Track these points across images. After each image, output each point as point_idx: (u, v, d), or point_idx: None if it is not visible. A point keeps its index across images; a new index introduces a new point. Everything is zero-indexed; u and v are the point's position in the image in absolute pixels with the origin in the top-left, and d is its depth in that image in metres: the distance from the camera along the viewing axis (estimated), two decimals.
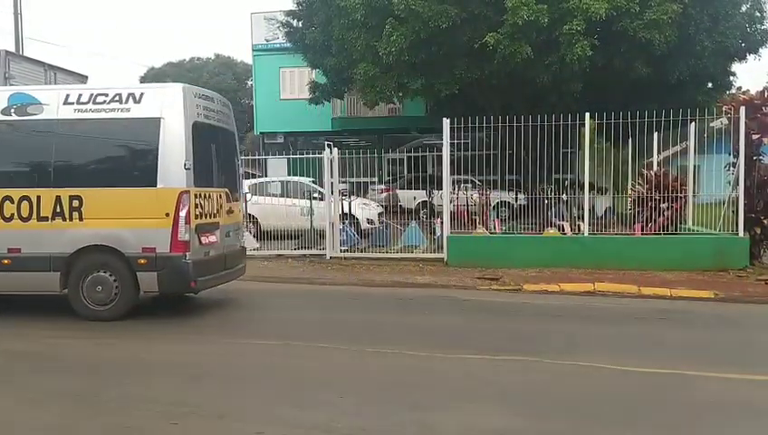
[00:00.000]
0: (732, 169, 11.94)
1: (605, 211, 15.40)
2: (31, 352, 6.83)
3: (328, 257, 13.42)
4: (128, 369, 6.19)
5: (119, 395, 5.36)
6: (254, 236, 15.04)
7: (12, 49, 17.77)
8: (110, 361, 6.48)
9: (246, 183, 16.44)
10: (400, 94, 19.76)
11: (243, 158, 17.84)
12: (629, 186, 14.63)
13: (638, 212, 12.96)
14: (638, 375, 5.86)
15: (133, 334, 7.54)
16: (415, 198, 19.61)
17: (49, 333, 7.53)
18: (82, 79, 13.68)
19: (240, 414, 4.93)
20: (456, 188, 14.66)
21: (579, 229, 12.70)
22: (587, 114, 12.14)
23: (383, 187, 18.82)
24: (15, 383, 5.77)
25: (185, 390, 5.55)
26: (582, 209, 12.52)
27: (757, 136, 11.68)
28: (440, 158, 13.07)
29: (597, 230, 12.92)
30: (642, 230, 12.44)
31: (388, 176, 27.09)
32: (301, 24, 22.24)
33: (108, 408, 5.11)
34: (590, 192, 12.53)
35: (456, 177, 14.72)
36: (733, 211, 11.71)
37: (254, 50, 29.50)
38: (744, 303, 9.20)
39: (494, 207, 16.35)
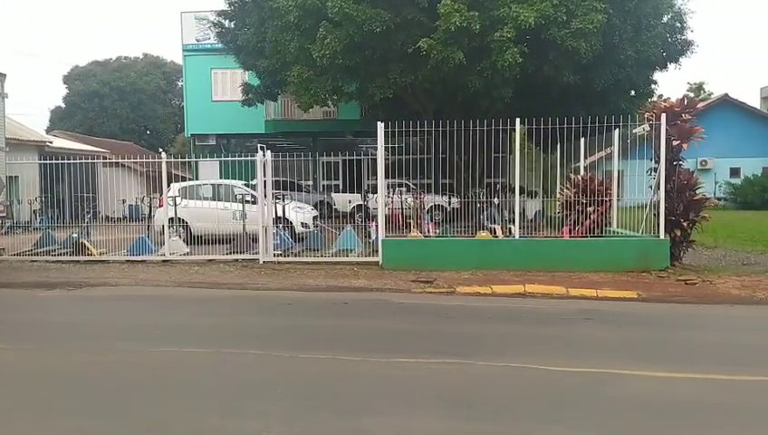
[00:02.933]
0: (653, 173, 12.39)
1: (535, 214, 15.82)
2: None
3: (261, 262, 13.22)
4: (47, 379, 5.90)
5: (39, 407, 5.11)
6: (183, 241, 14.68)
7: None
8: (29, 371, 6.17)
9: (176, 186, 16.02)
10: (335, 97, 19.71)
11: (173, 160, 17.43)
12: (558, 190, 15.05)
13: (566, 215, 13.31)
14: (566, 374, 6.00)
15: (55, 344, 7.22)
16: (350, 202, 19.59)
17: None
18: (0, 77, 13.02)
19: (168, 425, 4.78)
20: (391, 192, 14.73)
21: (510, 232, 12.96)
22: (517, 120, 12.39)
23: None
24: None
25: (108, 401, 5.33)
26: (513, 213, 12.76)
27: (677, 142, 12.14)
28: (375, 161, 13.09)
29: (527, 233, 13.23)
30: (570, 233, 12.79)
31: (323, 179, 27.03)
32: (233, 25, 21.88)
33: (26, 422, 4.85)
34: (520, 196, 12.79)
35: (390, 180, 14.79)
36: (654, 214, 12.18)
37: (184, 50, 28.80)
38: (665, 302, 9.56)
39: (428, 210, 16.53)
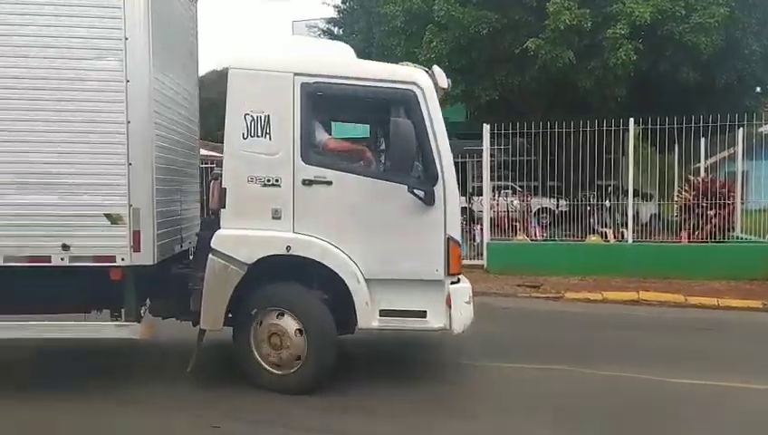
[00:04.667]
0: None
1: (650, 218, 15.14)
2: None
3: None
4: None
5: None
6: None
7: None
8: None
9: None
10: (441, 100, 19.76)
11: None
12: (675, 192, 14.37)
13: (685, 219, 12.72)
14: (683, 386, 5.74)
15: None
16: None
17: None
18: None
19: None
20: (497, 195, 14.59)
21: (622, 236, 12.51)
22: (631, 119, 11.97)
23: None
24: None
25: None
26: (626, 216, 12.34)
27: None
28: (480, 163, 13.04)
29: (641, 237, 12.70)
30: (689, 238, 12.21)
31: None
32: (341, 32, 22.50)
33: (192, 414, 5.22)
34: (634, 198, 12.34)
35: (496, 183, 14.66)
36: None
37: None
38: None
39: (534, 213, 16.22)
